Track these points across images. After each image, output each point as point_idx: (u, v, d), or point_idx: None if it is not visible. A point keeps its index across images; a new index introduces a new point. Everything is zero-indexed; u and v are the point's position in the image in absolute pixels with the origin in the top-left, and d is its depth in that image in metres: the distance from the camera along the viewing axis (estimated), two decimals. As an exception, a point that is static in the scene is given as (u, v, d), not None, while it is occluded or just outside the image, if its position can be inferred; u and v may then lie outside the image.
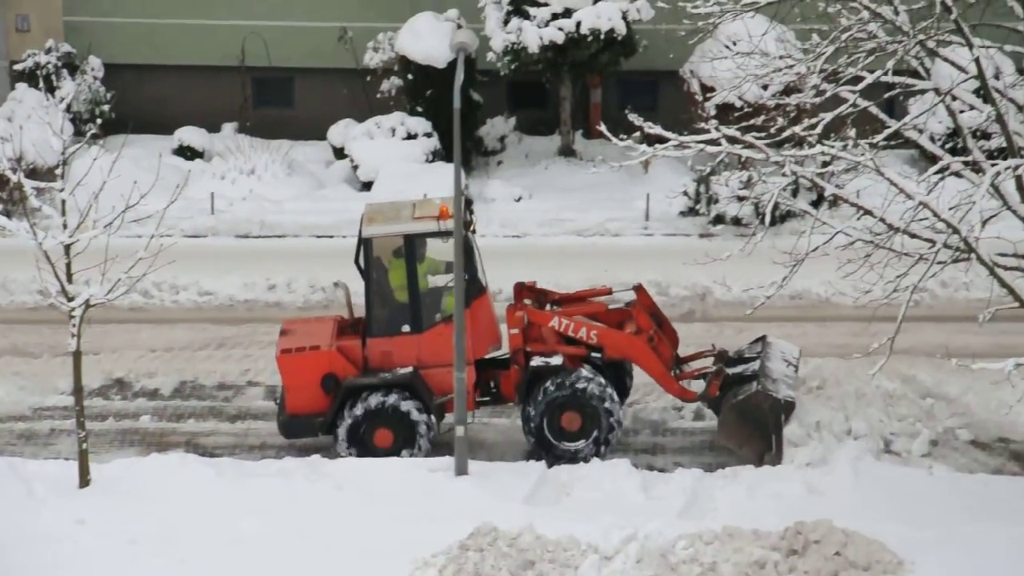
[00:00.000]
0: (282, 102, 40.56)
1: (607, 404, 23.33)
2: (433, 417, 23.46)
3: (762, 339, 24.58)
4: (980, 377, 23.25)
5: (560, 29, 35.74)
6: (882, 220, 20.21)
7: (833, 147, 19.76)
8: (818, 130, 20.08)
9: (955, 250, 19.67)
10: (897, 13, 19.73)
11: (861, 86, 20.42)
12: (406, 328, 23.54)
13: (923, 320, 26.15)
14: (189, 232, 34.16)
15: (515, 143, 38.84)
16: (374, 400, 23.28)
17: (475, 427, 24.06)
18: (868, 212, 20.39)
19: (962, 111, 21.33)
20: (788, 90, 23.12)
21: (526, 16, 35.96)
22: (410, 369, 23.46)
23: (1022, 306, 20.07)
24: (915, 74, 20.93)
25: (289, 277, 31.42)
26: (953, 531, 19.87)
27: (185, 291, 31.13)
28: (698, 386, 24.15)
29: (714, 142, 19.74)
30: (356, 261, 23.54)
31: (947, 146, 31.00)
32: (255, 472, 22.47)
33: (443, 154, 36.34)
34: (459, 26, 35.78)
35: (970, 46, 19.26)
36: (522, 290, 24.28)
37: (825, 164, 20.70)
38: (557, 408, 23.39)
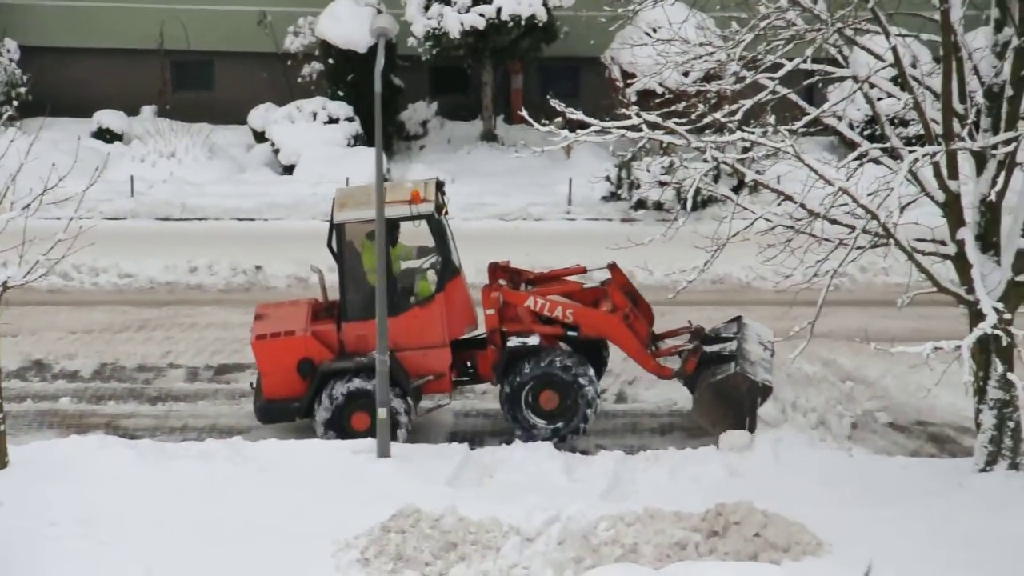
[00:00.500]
0: (202, 85, 40.34)
1: (584, 382, 23.41)
2: (410, 400, 23.47)
3: (737, 320, 24.67)
4: (899, 361, 23.50)
5: (481, 15, 35.76)
6: (802, 206, 20.40)
7: (753, 133, 19.91)
8: (738, 116, 20.23)
9: (874, 235, 19.91)
10: (815, 1, 19.93)
11: (780, 73, 20.60)
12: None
13: (843, 304, 26.42)
14: (109, 215, 33.91)
15: (437, 128, 38.83)
16: (351, 384, 23.28)
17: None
18: (788, 198, 20.57)
19: (880, 99, 21.56)
20: (708, 77, 23.27)
21: (447, 2, 35.96)
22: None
23: (940, 291, 20.36)
24: (834, 62, 21.13)
25: (210, 260, 31.30)
26: (872, 512, 20.10)
27: (105, 273, 30.95)
28: (673, 363, 24.16)
29: (635, 128, 19.83)
30: (329, 245, 23.52)
31: (866, 133, 31.33)
32: (176, 454, 22.38)
33: (365, 139, 36.30)
34: (379, 11, 35.74)
35: (887, 34, 19.48)
36: (496, 270, 24.31)
37: (745, 150, 20.84)
38: (534, 388, 23.47)
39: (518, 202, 34.61)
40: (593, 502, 20.62)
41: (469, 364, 24.26)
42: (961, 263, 20.05)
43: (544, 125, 20.29)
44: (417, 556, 19.48)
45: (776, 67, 20.73)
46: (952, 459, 22.02)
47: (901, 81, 20.09)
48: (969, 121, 19.95)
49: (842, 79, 21.69)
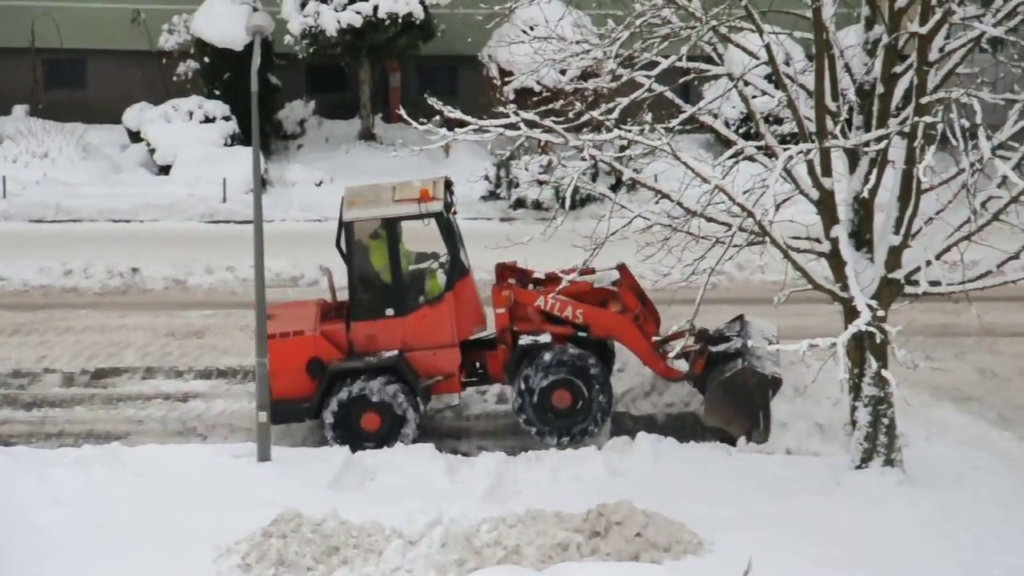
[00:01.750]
0: (75, 84, 39.76)
1: (596, 379, 23.33)
2: (419, 399, 23.34)
3: (740, 318, 24.59)
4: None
5: (358, 13, 35.57)
6: (679, 204, 20.49)
7: (630, 131, 19.98)
8: (615, 115, 20.27)
9: (750, 233, 20.07)
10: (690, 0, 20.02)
11: (656, 71, 20.65)
12: (390, 311, 23.39)
13: (720, 302, 26.55)
14: (-20, 217, 33.46)
15: (315, 127, 38.58)
16: (360, 384, 23.15)
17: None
18: (666, 196, 20.65)
19: (755, 96, 21.72)
20: (585, 75, 23.41)
21: (323, 0, 35.78)
22: (395, 352, 23.33)
23: (815, 288, 20.56)
24: (709, 60, 21.24)
25: (86, 262, 30.89)
26: (751, 510, 20.26)
27: (-23, 277, 30.49)
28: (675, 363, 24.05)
29: (513, 126, 19.82)
30: (337, 244, 23.49)
31: (741, 131, 31.52)
32: (52, 461, 22.10)
33: (242, 137, 35.98)
34: (255, 9, 35.44)
35: (760, 32, 19.62)
36: (504, 270, 24.12)
37: (623, 148, 20.89)
38: (547, 387, 23.32)
39: (397, 201, 34.45)
40: (475, 504, 20.61)
41: (478, 364, 24.16)
42: (835, 260, 20.24)
43: (422, 124, 20.27)
44: (299, 561, 19.38)
45: (652, 65, 20.79)
46: (829, 456, 22.19)
47: (775, 79, 20.26)
48: (842, 119, 20.16)
49: (717, 77, 21.77)
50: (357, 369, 23.26)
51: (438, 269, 23.67)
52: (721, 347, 23.80)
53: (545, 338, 23.40)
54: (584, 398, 23.38)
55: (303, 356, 23.40)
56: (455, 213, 23.80)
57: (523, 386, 23.32)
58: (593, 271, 23.04)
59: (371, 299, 23.46)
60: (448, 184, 23.77)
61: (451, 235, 23.13)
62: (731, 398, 23.00)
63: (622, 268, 23.93)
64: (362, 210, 23.24)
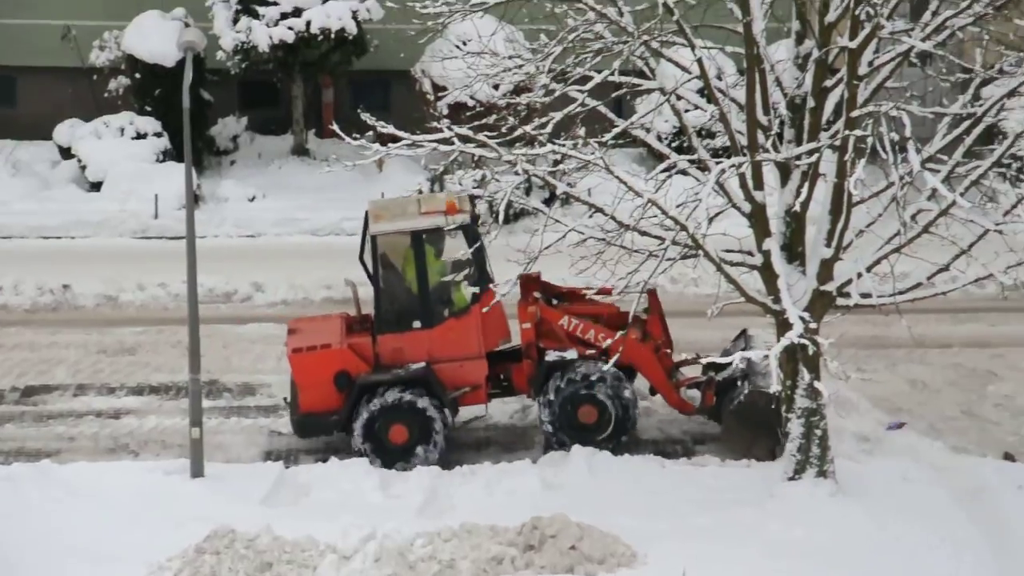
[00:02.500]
0: (5, 101, 39.55)
1: (623, 394, 23.30)
2: (448, 411, 23.31)
3: (743, 333, 24.55)
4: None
5: (290, 28, 35.56)
6: (613, 218, 20.53)
7: (563, 146, 20.00)
8: (548, 129, 20.29)
9: (683, 247, 20.11)
10: (622, 14, 20.03)
11: (589, 86, 20.70)
12: (417, 324, 23.35)
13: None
14: (-91, 235, 33.17)
15: (247, 143, 38.50)
16: (388, 396, 23.10)
17: (210, 426, 23.89)
18: (599, 210, 20.68)
19: (687, 110, 21.79)
20: (518, 89, 23.41)
21: (255, 15, 35.70)
22: (423, 364, 23.27)
23: (748, 301, 20.65)
24: (641, 74, 21.30)
25: (16, 279, 30.68)
26: (685, 522, 20.27)
27: (-94, 295, 30.19)
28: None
29: (447, 141, 19.83)
30: (361, 258, 23.47)
31: (673, 145, 31.62)
32: (-19, 480, 21.90)
33: (174, 154, 35.85)
34: (186, 25, 35.36)
35: (692, 47, 19.68)
36: (528, 283, 23.91)
37: (556, 163, 20.95)
38: (574, 401, 23.28)
39: (331, 217, 34.45)
40: (409, 519, 20.55)
41: (503, 376, 24.13)
42: (768, 273, 20.32)
43: (355, 139, 20.22)
44: (232, 577, 19.29)
45: (585, 80, 20.82)
46: (762, 468, 22.29)
47: (707, 93, 20.32)
48: (773, 132, 20.25)
49: (650, 91, 21.85)
50: (385, 381, 23.25)
51: (463, 281, 23.59)
52: (726, 372, 23.78)
53: (571, 354, 23.39)
54: (610, 415, 23.37)
55: (330, 369, 23.37)
56: (481, 225, 23.67)
57: (551, 399, 23.31)
58: (610, 291, 22.98)
59: (398, 311, 23.43)
60: (472, 197, 23.71)
61: (478, 247, 23.06)
62: (745, 424, 23.05)
63: (652, 294, 23.81)
64: (389, 223, 23.16)
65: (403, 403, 23.09)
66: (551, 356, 23.48)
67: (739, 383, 23.34)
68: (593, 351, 23.53)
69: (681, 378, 24.12)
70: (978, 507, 20.82)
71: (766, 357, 17.78)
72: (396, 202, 24.32)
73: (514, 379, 24.00)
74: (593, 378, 23.26)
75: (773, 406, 22.38)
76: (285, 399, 24.61)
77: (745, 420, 23.03)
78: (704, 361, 22.19)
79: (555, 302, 24.29)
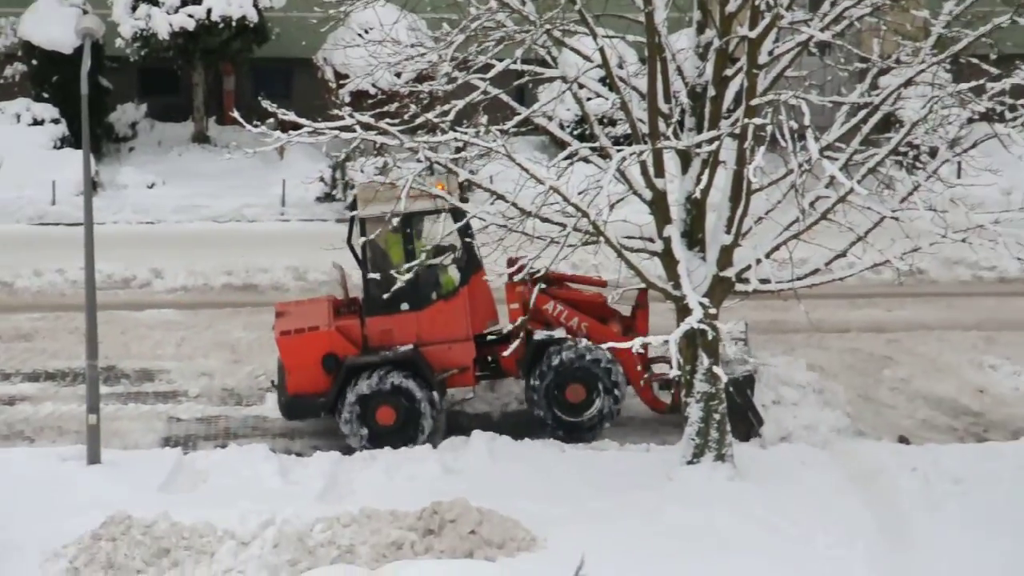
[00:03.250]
0: (-100, 87, 38.94)
1: (610, 371, 23.29)
2: (435, 393, 23.26)
3: None
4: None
5: (190, 16, 35.25)
6: (514, 205, 20.59)
7: (466, 133, 20.03)
8: (451, 117, 20.28)
9: (584, 233, 20.19)
10: (524, 3, 20.06)
11: (491, 74, 20.72)
12: (405, 306, 23.27)
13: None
14: None
15: (147, 129, 38.12)
16: (376, 379, 23.06)
17: (108, 412, 23.67)
18: (501, 197, 20.75)
19: (589, 99, 21.83)
20: (421, 78, 23.33)
21: (155, 2, 35.37)
22: (411, 347, 23.23)
23: (648, 287, 20.80)
24: (543, 63, 21.33)
25: (-91, 267, 30.29)
26: (584, 506, 20.39)
27: None
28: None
29: (348, 129, 19.78)
30: (348, 241, 23.37)
31: (575, 132, 31.69)
32: None
33: (72, 140, 35.43)
34: (84, 11, 34.93)
35: (594, 36, 19.76)
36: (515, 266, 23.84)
37: (459, 150, 21.01)
38: (561, 381, 23.27)
39: (231, 204, 34.23)
40: (309, 504, 20.51)
41: (490, 358, 24.11)
42: (668, 259, 20.45)
43: (256, 126, 20.11)
44: (128, 564, 19.15)
45: (487, 68, 20.84)
46: (661, 452, 22.43)
47: (609, 82, 20.42)
48: (674, 120, 20.41)
49: (552, 80, 21.93)
50: (373, 363, 23.26)
51: (451, 264, 23.59)
52: None
53: (559, 334, 23.44)
54: (599, 396, 23.44)
55: (318, 352, 23.41)
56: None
57: (539, 379, 23.34)
58: (605, 284, 22.99)
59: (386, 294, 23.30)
60: (460, 181, 23.57)
61: (466, 229, 22.92)
62: None
63: (644, 292, 23.84)
64: (378, 206, 23.01)
65: (391, 385, 23.14)
66: (539, 335, 23.54)
67: None
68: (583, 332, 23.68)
69: (655, 374, 24.20)
70: (873, 490, 21.10)
71: (666, 342, 17.88)
72: (384, 184, 24.19)
73: (502, 361, 24.01)
74: (584, 358, 23.29)
75: (739, 392, 22.77)
76: (272, 382, 24.64)
77: None
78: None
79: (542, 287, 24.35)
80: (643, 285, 20.94)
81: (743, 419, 22.95)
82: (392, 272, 22.35)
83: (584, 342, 23.42)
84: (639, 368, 23.74)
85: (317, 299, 25.09)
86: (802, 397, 23.89)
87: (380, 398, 23.17)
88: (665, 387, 24.12)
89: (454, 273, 23.75)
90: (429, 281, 23.62)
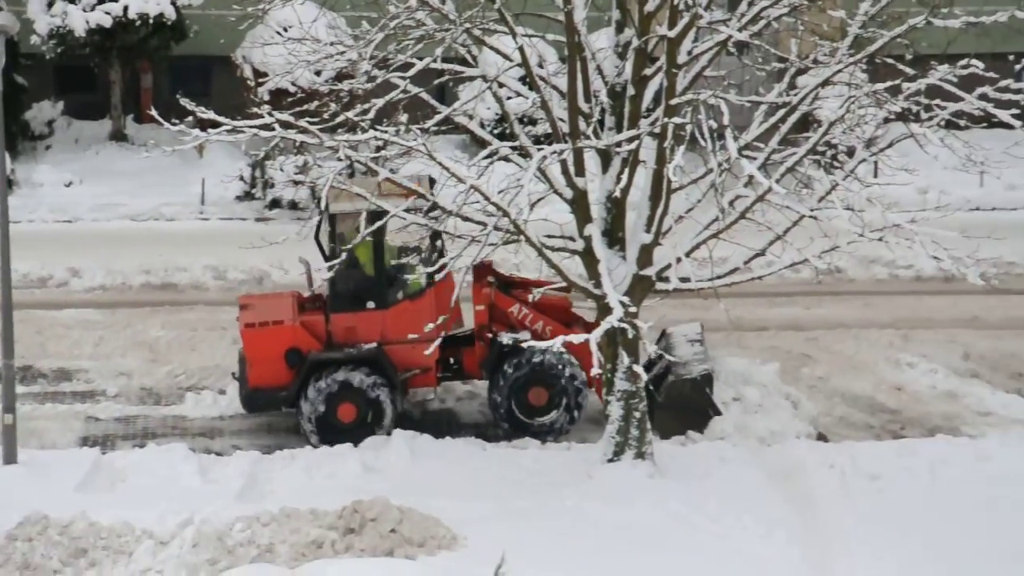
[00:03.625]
0: None
1: (569, 372, 23.22)
2: (397, 392, 23.18)
3: (662, 334, 24.71)
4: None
5: (107, 13, 35.02)
6: (435, 203, 20.63)
7: (386, 132, 20.02)
8: (371, 115, 20.28)
9: (505, 232, 20.24)
10: (444, 1, 20.06)
11: (411, 72, 20.71)
12: (371, 304, 23.14)
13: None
14: None
15: (64, 127, 37.81)
16: (338, 375, 22.98)
17: (24, 412, 23.48)
18: (422, 195, 20.77)
19: (509, 98, 21.88)
20: (340, 76, 23.36)
21: (72, 0, 35.15)
22: (374, 345, 23.13)
23: (570, 285, 20.86)
24: (463, 61, 21.34)
25: None
26: (505, 504, 20.40)
27: None
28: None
29: (268, 127, 19.72)
30: (316, 237, 23.11)
31: (496, 131, 31.69)
32: None
33: (-13, 138, 35.11)
34: None
35: (514, 35, 19.79)
36: (481, 269, 23.59)
37: (379, 149, 20.95)
38: (524, 384, 23.24)
39: (150, 202, 34.06)
40: (228, 503, 20.42)
41: (453, 360, 24.04)
42: (589, 258, 20.53)
43: (175, 124, 20.03)
44: (45, 564, 19.00)
45: (407, 66, 20.83)
46: (582, 450, 22.50)
47: (529, 81, 20.46)
48: (594, 120, 20.47)
49: (472, 78, 21.94)
50: (336, 360, 23.17)
51: (419, 264, 23.46)
52: (652, 373, 23.91)
53: (524, 336, 23.30)
54: (560, 398, 23.46)
55: (282, 345, 23.34)
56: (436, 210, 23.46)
57: (502, 381, 23.33)
58: (570, 289, 23.00)
59: (353, 291, 23.25)
60: (432, 182, 23.45)
61: (435, 231, 22.82)
62: (678, 414, 23.27)
63: None
64: (348, 203, 22.85)
65: (352, 382, 23.09)
66: (504, 338, 23.50)
67: (666, 380, 23.62)
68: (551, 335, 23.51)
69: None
70: (791, 486, 21.26)
71: (586, 341, 17.94)
72: (356, 182, 24.05)
73: (465, 362, 24.01)
74: (535, 360, 23.25)
75: (697, 392, 23.06)
76: (233, 374, 24.52)
77: (675, 411, 23.29)
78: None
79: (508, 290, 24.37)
80: (563, 283, 20.97)
81: (702, 417, 23.16)
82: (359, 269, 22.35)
83: (548, 348, 23.41)
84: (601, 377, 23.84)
85: (282, 293, 25.08)
86: (764, 396, 23.99)
87: (341, 395, 23.16)
88: None
89: (421, 274, 23.69)
90: (396, 280, 23.59)
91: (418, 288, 23.59)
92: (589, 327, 23.81)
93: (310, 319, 23.67)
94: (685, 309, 26.29)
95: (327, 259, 23.32)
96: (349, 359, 23.25)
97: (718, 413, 23.25)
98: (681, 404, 23.30)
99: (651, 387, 23.37)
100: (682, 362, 23.65)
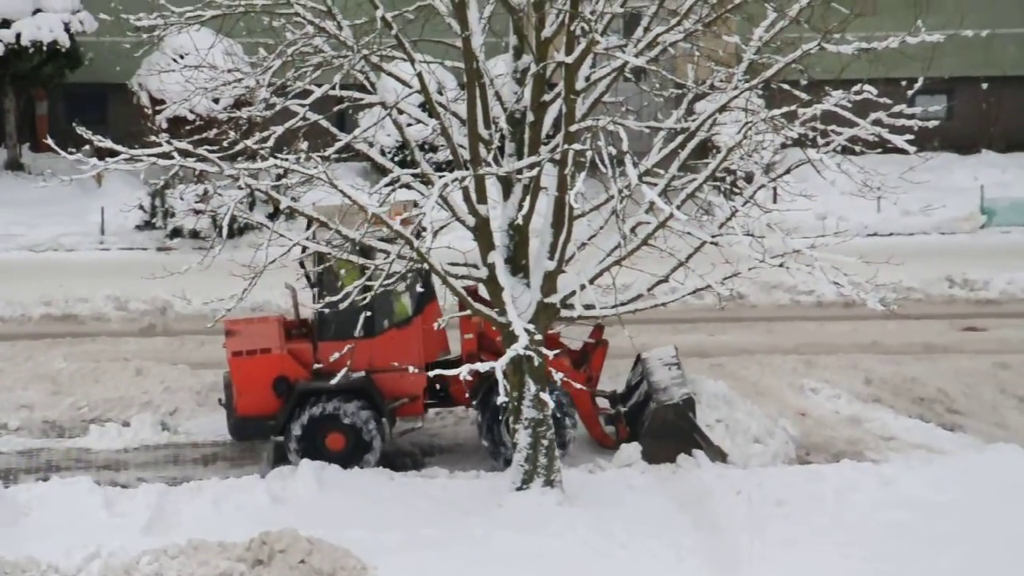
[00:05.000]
0: None
1: (563, 408, 23.01)
2: (385, 421, 23.02)
3: (638, 359, 24.76)
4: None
5: (-1, 40, 34.79)
6: (338, 232, 20.60)
7: (286, 160, 19.98)
8: (270, 143, 20.26)
9: (409, 260, 20.24)
10: (341, 28, 20.05)
11: (310, 100, 20.71)
12: (359, 332, 22.74)
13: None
14: None
15: (-42, 156, 37.50)
16: (326, 404, 22.86)
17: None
18: (324, 224, 20.72)
19: (409, 124, 21.95)
20: (239, 103, 23.29)
21: (-37, 27, 34.86)
22: (362, 373, 22.93)
23: (474, 313, 20.89)
24: (363, 88, 21.33)
25: None
26: (415, 534, 20.35)
27: None
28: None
29: (167, 155, 19.60)
30: (301, 263, 22.80)
31: (397, 159, 31.78)
32: None
33: None
34: None
35: (412, 61, 19.82)
36: (470, 296, 23.27)
37: (279, 177, 20.95)
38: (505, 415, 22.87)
39: (48, 232, 33.80)
40: (135, 536, 20.29)
41: (439, 387, 23.77)
42: (493, 286, 20.56)
43: (72, 153, 19.84)
44: (-51, 603, 18.78)
45: (306, 93, 20.82)
46: (491, 478, 22.52)
47: (428, 107, 20.44)
48: (494, 146, 20.51)
49: (372, 105, 21.94)
50: (325, 389, 22.98)
51: (405, 292, 23.37)
52: (633, 400, 24.17)
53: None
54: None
55: (270, 374, 23.19)
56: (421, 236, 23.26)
57: (487, 412, 23.19)
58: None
59: (339, 319, 22.94)
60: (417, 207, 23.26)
61: (422, 259, 22.58)
62: (663, 442, 23.20)
63: (599, 329, 24.06)
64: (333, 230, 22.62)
65: (340, 411, 23.02)
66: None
67: (647, 407, 23.65)
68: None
69: (599, 408, 24.32)
70: (700, 512, 21.33)
71: (492, 369, 17.96)
72: (340, 209, 23.86)
73: (453, 390, 23.84)
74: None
75: (681, 418, 23.02)
76: (220, 400, 24.31)
77: (660, 437, 23.27)
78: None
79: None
80: (467, 311, 20.96)
81: (688, 441, 23.16)
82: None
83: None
84: (592, 407, 23.92)
85: (266, 318, 24.93)
86: (747, 416, 24.11)
87: (330, 424, 23.11)
88: (609, 422, 24.28)
89: (408, 302, 23.62)
90: (383, 308, 23.48)
91: (405, 316, 23.52)
92: (573, 356, 24.01)
93: (298, 347, 23.55)
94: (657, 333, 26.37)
95: (312, 285, 23.29)
96: (338, 388, 23.09)
97: (704, 438, 23.23)
98: (666, 431, 23.29)
99: (633, 415, 23.78)
100: (662, 387, 23.74)
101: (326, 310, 22.77)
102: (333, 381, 22.48)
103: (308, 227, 22.09)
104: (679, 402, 23.38)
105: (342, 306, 20.78)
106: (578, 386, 22.74)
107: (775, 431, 23.90)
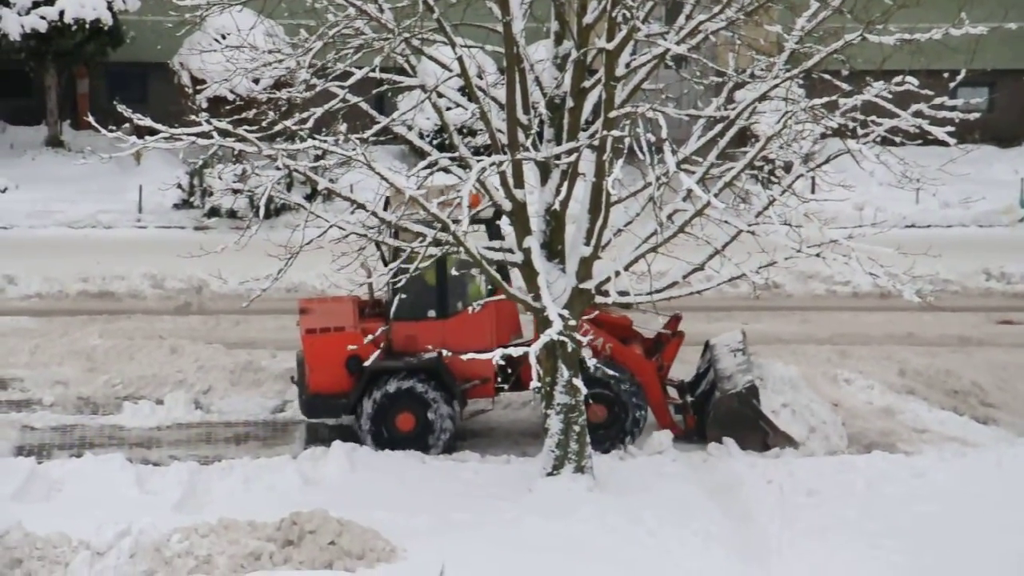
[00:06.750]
0: None
1: (631, 391, 23.17)
2: (456, 402, 23.15)
3: (706, 345, 24.84)
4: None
5: (43, 17, 34.89)
6: (374, 214, 20.61)
7: (325, 141, 20.01)
8: (309, 124, 20.27)
9: (445, 244, 20.23)
10: (382, 11, 20.04)
11: (350, 82, 20.71)
12: (432, 313, 23.04)
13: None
14: None
15: (-1, 133, 37.70)
16: (398, 384, 22.99)
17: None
18: (361, 206, 20.75)
19: (448, 108, 21.93)
20: (279, 84, 23.26)
21: (6, 3, 34.96)
22: (435, 354, 23.01)
23: (509, 298, 20.87)
24: (402, 71, 21.34)
25: None
26: (445, 517, 20.40)
27: None
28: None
29: (206, 135, 19.62)
30: (378, 244, 22.61)
31: (435, 142, 31.74)
32: None
33: (-81, 143, 34.94)
34: (-68, 12, 34.45)
35: (453, 45, 19.81)
36: None
37: (318, 158, 20.89)
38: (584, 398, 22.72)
39: (87, 209, 33.91)
40: (166, 514, 20.33)
41: (511, 371, 23.78)
42: (528, 271, 20.55)
43: (112, 131, 19.88)
44: (-21, 575, 18.88)
45: (346, 75, 20.82)
46: (521, 463, 22.54)
47: (468, 91, 20.42)
48: (533, 132, 20.49)
49: (411, 88, 21.92)
50: (397, 368, 23.13)
51: (481, 275, 23.35)
52: (699, 390, 24.24)
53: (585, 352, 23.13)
54: (620, 413, 23.44)
55: (343, 352, 23.22)
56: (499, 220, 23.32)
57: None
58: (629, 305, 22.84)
59: (413, 300, 23.04)
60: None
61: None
62: (728, 430, 23.32)
63: (676, 319, 24.13)
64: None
65: (412, 391, 23.11)
66: None
67: (712, 396, 23.71)
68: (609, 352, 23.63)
69: (668, 398, 24.35)
70: (730, 501, 21.35)
71: (525, 354, 17.96)
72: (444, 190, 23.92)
73: (523, 374, 23.70)
74: (597, 375, 22.76)
75: (745, 405, 23.09)
76: (292, 378, 24.53)
77: (726, 426, 23.36)
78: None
79: None
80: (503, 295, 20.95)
81: (756, 431, 23.26)
82: (421, 278, 22.32)
83: (609, 362, 23.09)
84: (662, 396, 23.92)
85: (341, 298, 24.99)
86: (811, 400, 24.11)
87: (401, 404, 23.22)
88: (678, 411, 24.32)
89: (482, 284, 23.64)
90: (457, 291, 23.58)
91: (479, 299, 23.53)
92: (646, 344, 23.98)
93: (372, 326, 23.44)
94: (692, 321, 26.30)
95: (386, 263, 23.15)
96: (408, 368, 23.24)
97: (771, 424, 23.24)
98: (731, 420, 23.36)
99: (700, 404, 23.88)
100: (727, 375, 23.77)
101: (400, 290, 22.60)
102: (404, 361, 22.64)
103: (386, 207, 22.05)
104: (742, 390, 23.37)
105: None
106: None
107: (832, 421, 23.83)
